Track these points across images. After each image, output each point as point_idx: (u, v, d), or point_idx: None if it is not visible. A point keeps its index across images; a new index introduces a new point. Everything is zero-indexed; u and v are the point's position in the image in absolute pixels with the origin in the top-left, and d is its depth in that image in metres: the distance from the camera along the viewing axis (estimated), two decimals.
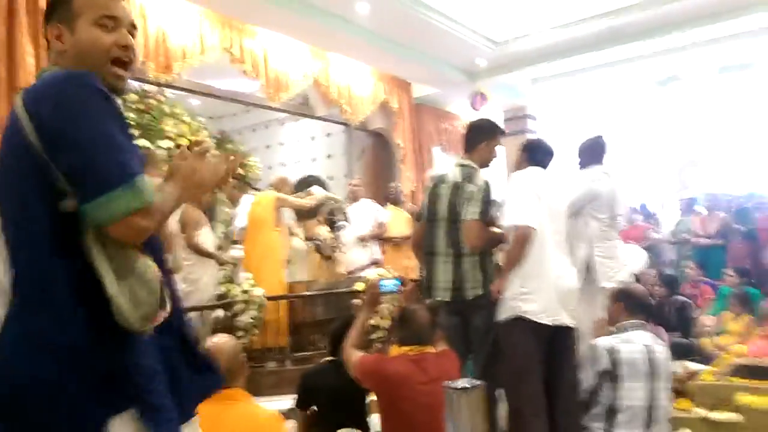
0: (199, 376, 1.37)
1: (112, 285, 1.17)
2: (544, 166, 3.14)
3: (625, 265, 3.73)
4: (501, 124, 3.30)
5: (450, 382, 1.34)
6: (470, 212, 2.96)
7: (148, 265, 1.22)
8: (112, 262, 1.18)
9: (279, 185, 5.67)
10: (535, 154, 3.14)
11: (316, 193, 5.78)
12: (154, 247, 1.31)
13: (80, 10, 1.33)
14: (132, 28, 1.38)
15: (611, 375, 2.76)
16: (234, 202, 6.11)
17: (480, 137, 3.17)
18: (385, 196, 7.26)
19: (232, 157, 1.41)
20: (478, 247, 3.01)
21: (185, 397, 1.31)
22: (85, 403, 1.14)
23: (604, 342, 2.83)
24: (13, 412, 1.12)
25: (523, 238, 2.88)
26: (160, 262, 1.31)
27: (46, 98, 1.19)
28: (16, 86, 3.84)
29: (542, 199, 2.94)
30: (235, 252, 5.62)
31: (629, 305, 2.93)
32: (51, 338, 1.14)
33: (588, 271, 3.63)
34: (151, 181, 1.22)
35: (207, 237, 5.58)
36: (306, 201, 5.62)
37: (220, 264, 5.79)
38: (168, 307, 1.26)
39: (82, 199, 1.17)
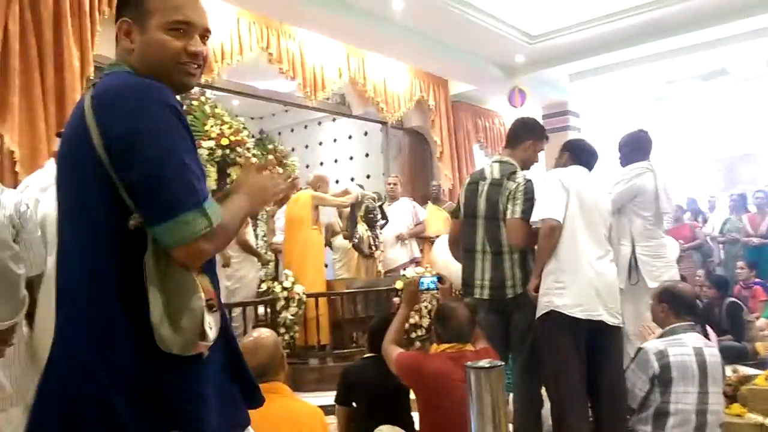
0: (244, 393, 1.37)
1: (156, 311, 1.15)
2: (590, 168, 3.09)
3: (672, 264, 3.62)
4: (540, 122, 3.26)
5: (471, 363, 1.33)
6: (514, 211, 2.94)
7: (197, 293, 1.20)
8: (164, 285, 1.17)
9: (316, 183, 5.72)
10: (581, 154, 3.10)
11: (353, 191, 5.80)
12: (211, 260, 1.31)
13: (153, 11, 1.28)
14: (206, 32, 1.34)
15: (661, 379, 2.68)
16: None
17: (526, 135, 3.14)
18: (427, 194, 7.27)
19: (292, 177, 1.44)
20: (522, 246, 2.98)
21: (232, 415, 1.30)
22: (130, 423, 1.12)
23: (652, 345, 2.76)
24: (64, 427, 1.13)
25: (549, 231, 2.85)
26: (213, 275, 1.31)
27: (117, 107, 1.17)
28: (63, 90, 3.94)
29: (573, 194, 2.91)
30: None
31: (675, 306, 2.85)
32: (97, 355, 1.14)
33: (633, 271, 3.54)
34: (217, 205, 1.22)
35: (251, 236, 5.68)
36: (343, 199, 5.65)
37: (263, 264, 5.90)
38: (211, 336, 1.22)
39: (148, 220, 1.16)
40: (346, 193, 5.83)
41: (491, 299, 3.03)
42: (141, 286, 1.16)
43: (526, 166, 3.16)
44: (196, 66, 1.32)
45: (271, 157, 6.64)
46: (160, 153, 1.16)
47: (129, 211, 1.17)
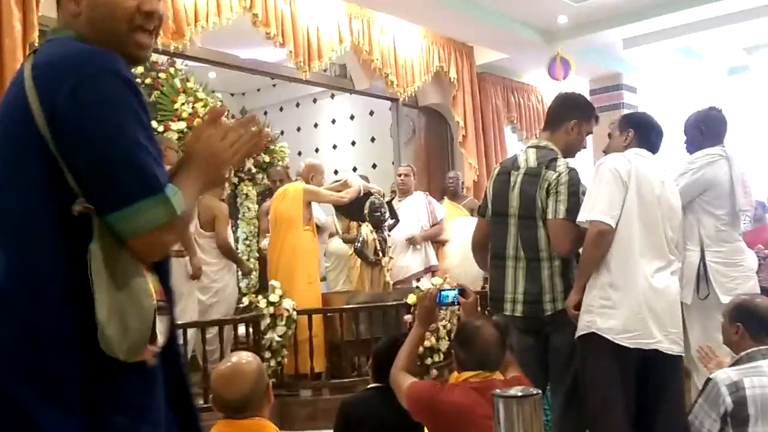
0: (181, 427, 1.41)
1: (102, 308, 1.20)
2: (655, 150, 3.08)
3: (750, 274, 3.59)
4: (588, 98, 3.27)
5: (499, 390, 1.31)
6: (557, 210, 2.94)
7: (148, 290, 1.26)
8: (112, 279, 1.22)
9: (309, 174, 5.71)
10: (648, 132, 3.08)
11: (355, 183, 5.79)
12: (162, 261, 1.37)
13: None
14: None
15: (735, 417, 2.64)
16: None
17: (570, 114, 3.14)
18: (443, 187, 7.27)
19: (255, 127, 1.43)
20: (568, 253, 2.98)
21: None
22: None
23: (724, 375, 2.71)
24: None
25: (597, 237, 2.84)
26: (165, 274, 1.37)
27: (62, 83, 1.20)
28: (2, 57, 3.97)
29: (632, 188, 2.88)
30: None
31: (753, 326, 2.80)
32: (24, 355, 1.19)
33: (702, 282, 3.52)
34: (178, 191, 1.28)
35: (230, 238, 5.70)
36: (342, 194, 5.65)
37: (245, 273, 5.91)
38: (161, 341, 1.29)
39: (101, 207, 1.22)
40: (345, 186, 5.82)
41: (525, 317, 3.03)
42: (84, 280, 1.21)
43: (569, 152, 3.15)
44: (149, 32, 1.37)
45: (220, 103, 6.56)
46: (112, 131, 1.20)
47: (74, 196, 1.21)
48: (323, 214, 6.20)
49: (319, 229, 5.96)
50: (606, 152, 3.14)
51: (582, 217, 2.90)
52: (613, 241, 2.87)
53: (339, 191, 5.75)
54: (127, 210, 1.21)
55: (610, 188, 2.88)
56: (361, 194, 5.75)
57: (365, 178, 6.68)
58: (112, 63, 1.24)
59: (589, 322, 2.85)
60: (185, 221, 1.33)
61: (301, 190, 5.43)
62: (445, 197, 7.09)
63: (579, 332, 2.88)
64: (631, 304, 2.81)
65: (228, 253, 5.43)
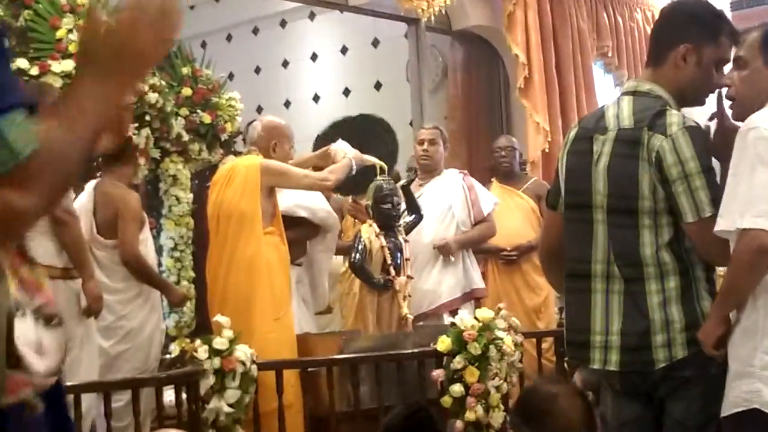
0: None
1: None
2: None
3: None
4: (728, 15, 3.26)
5: None
6: (698, 203, 2.94)
7: (2, 283, 1.30)
8: None
9: (269, 141, 5.64)
10: None
11: (341, 151, 5.74)
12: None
13: None
14: None
15: None
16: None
17: (679, 34, 3.14)
18: (492, 163, 7.30)
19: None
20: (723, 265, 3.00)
21: None
22: None
23: None
24: None
25: (755, 256, 2.78)
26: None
27: None
28: None
29: None
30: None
31: None
32: None
33: None
34: (27, 119, 1.28)
35: (149, 250, 5.70)
36: (324, 174, 5.61)
37: (174, 304, 5.89)
38: (39, 368, 1.32)
39: None
40: (326, 158, 5.79)
41: (625, 372, 3.05)
42: None
43: (686, 97, 3.18)
44: None
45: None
46: None
47: None
48: (323, 201, 6.13)
49: (313, 228, 5.99)
50: (733, 99, 3.13)
51: (726, 224, 2.86)
52: None
53: (318, 169, 5.74)
54: None
55: None
56: (354, 172, 5.69)
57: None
58: None
59: (748, 393, 2.83)
60: (62, 171, 1.34)
61: (256, 169, 5.39)
62: (493, 179, 7.13)
63: (730, 406, 2.87)
64: None
65: (142, 272, 5.43)
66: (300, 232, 5.97)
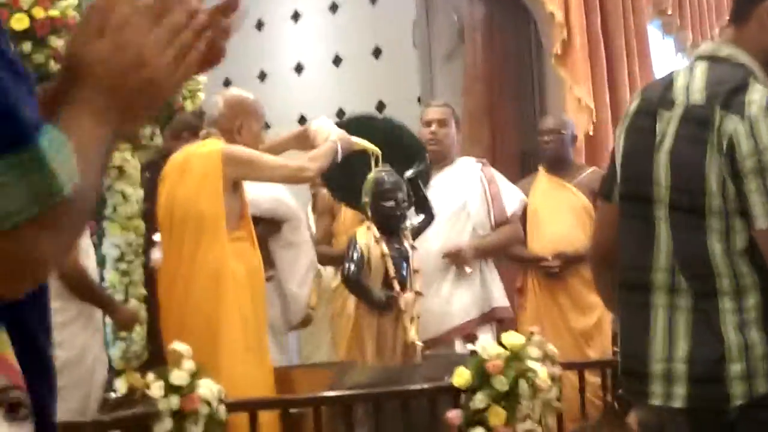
0: None
1: None
2: None
3: None
4: None
5: None
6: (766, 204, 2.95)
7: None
8: None
9: (233, 121, 5.59)
10: None
11: (325, 132, 5.68)
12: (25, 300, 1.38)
13: None
14: None
15: None
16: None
17: None
18: (528, 149, 7.26)
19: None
20: None
21: None
22: None
23: None
24: None
25: None
26: (30, 339, 1.41)
27: None
28: None
29: None
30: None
31: None
32: None
33: None
34: (65, 138, 1.29)
35: (90, 263, 5.70)
36: (302, 161, 5.57)
37: (122, 326, 5.88)
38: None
39: None
40: (304, 140, 5.75)
41: (692, 409, 3.05)
42: None
43: None
44: None
45: None
46: None
47: None
48: (266, 188, 6.15)
49: (265, 225, 6.03)
50: None
51: None
52: None
53: (299, 149, 5.72)
54: None
55: None
56: (339, 158, 5.63)
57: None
58: None
59: None
60: (80, 209, 1.34)
61: (217, 158, 5.36)
62: (540, 166, 7.16)
63: None
64: None
65: (82, 286, 5.44)
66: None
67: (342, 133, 5.73)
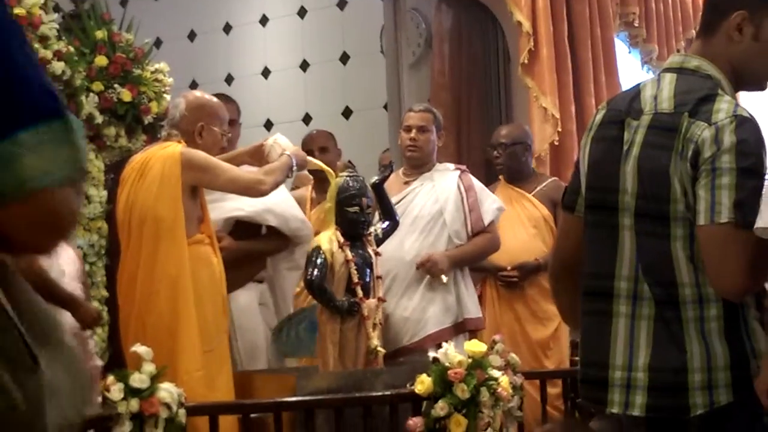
0: None
1: None
2: None
3: None
4: None
5: None
6: (715, 204, 2.95)
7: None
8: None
9: (194, 123, 5.58)
10: None
11: (279, 147, 5.67)
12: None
13: None
14: None
15: None
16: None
17: (737, 1, 3.16)
18: (487, 159, 7.28)
19: None
20: (742, 291, 3.01)
21: None
22: None
23: None
24: None
25: None
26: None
27: None
28: None
29: None
30: None
31: None
32: None
33: None
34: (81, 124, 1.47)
35: (54, 260, 5.64)
36: (259, 173, 5.52)
37: (87, 324, 5.81)
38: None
39: None
40: (261, 156, 5.73)
41: (652, 418, 3.05)
42: None
43: (743, 79, 3.20)
44: None
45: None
46: None
47: None
48: (296, 207, 6.17)
49: (282, 241, 6.04)
50: None
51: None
52: None
53: (254, 164, 5.71)
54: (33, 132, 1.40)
55: None
56: (294, 173, 5.63)
57: (338, 155, 6.67)
58: None
59: None
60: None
61: (176, 161, 5.36)
62: (500, 177, 7.15)
63: None
64: None
65: (38, 285, 5.39)
66: (266, 245, 6.07)
67: (297, 149, 5.79)
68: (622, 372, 3.07)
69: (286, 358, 6.27)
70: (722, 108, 3.02)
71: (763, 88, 3.25)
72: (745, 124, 3.01)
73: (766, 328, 3.05)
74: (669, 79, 3.17)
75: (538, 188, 7.04)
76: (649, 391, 3.03)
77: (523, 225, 6.92)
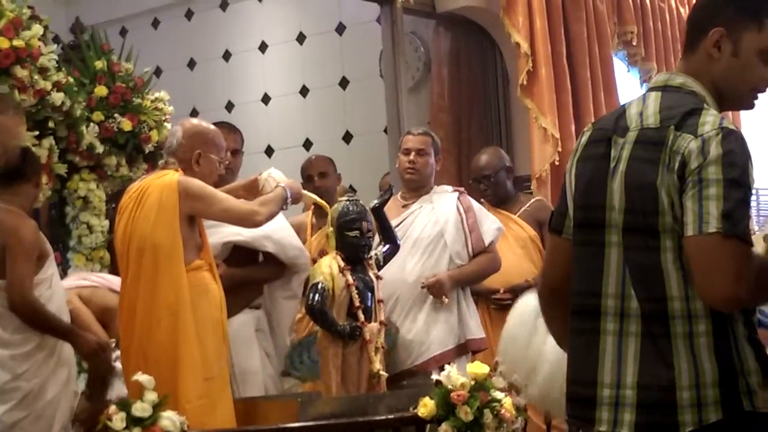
0: None
1: None
2: None
3: None
4: None
5: None
6: (702, 215, 2.94)
7: None
8: None
9: (191, 151, 5.55)
10: None
11: (273, 180, 5.66)
12: None
13: None
14: None
15: None
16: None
17: (713, 16, 3.18)
18: (477, 190, 7.25)
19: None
20: (734, 303, 2.99)
21: None
22: None
23: None
24: None
25: None
26: None
27: None
28: None
29: None
30: None
31: None
32: None
33: None
34: None
35: (56, 291, 5.64)
36: (255, 204, 5.49)
37: (87, 355, 5.80)
38: None
39: None
40: (255, 189, 5.73)
41: None
42: None
43: (726, 95, 3.21)
44: None
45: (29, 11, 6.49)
46: None
47: None
48: (295, 236, 6.20)
49: (278, 268, 6.06)
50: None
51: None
52: None
53: (248, 198, 5.68)
54: None
55: None
56: (288, 205, 5.61)
57: (338, 180, 6.67)
58: None
59: None
60: None
61: (173, 189, 5.33)
62: (483, 199, 7.13)
63: None
64: None
65: (35, 319, 5.37)
66: (263, 272, 6.10)
67: (292, 181, 5.80)
68: (611, 390, 3.06)
69: (304, 383, 6.26)
70: (708, 121, 3.02)
71: (745, 107, 3.27)
72: (731, 135, 3.01)
73: (755, 345, 3.03)
74: (654, 96, 3.18)
75: (523, 209, 7.10)
76: (637, 408, 3.01)
77: (510, 247, 6.93)
